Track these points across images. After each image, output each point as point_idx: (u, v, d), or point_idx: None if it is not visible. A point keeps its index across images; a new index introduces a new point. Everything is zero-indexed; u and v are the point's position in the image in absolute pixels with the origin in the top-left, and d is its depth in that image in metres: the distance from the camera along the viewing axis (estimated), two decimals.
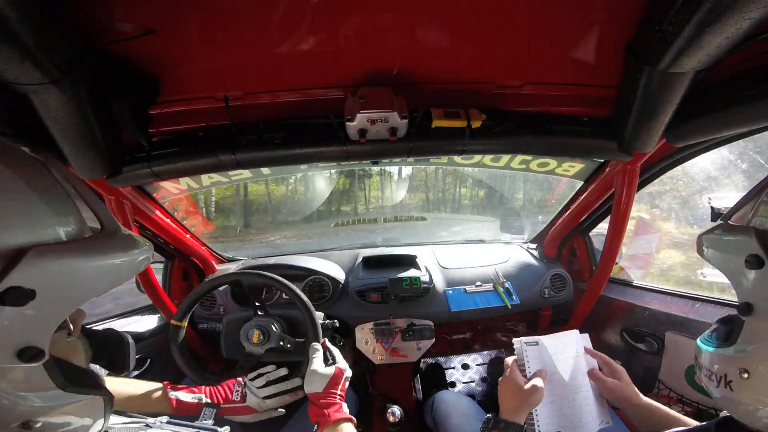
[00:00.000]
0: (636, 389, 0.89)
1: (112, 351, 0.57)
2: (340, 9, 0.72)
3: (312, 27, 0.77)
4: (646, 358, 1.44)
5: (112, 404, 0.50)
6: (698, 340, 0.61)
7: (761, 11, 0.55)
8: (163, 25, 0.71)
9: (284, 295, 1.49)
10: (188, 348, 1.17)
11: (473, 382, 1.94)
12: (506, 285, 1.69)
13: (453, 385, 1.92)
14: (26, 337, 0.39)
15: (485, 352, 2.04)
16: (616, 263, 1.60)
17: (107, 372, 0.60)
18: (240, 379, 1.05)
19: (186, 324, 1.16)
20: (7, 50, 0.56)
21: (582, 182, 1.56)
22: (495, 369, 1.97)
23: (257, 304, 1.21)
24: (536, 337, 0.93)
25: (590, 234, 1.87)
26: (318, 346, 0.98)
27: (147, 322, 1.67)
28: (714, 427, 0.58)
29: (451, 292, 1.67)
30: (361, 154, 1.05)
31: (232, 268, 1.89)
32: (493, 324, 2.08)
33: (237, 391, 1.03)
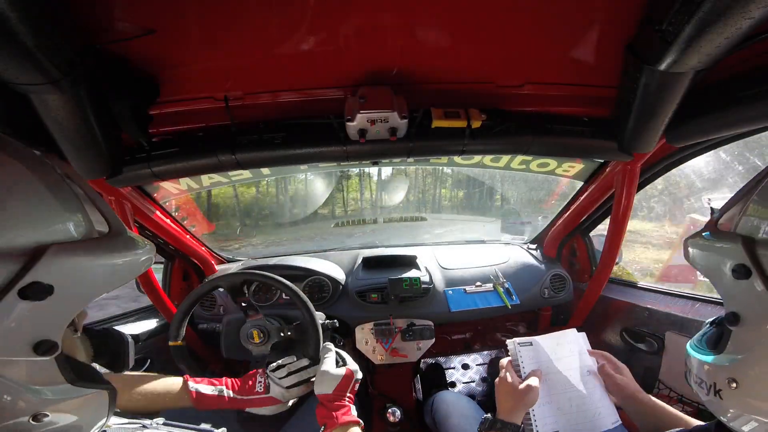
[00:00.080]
0: (638, 386, 0.89)
1: (111, 349, 0.57)
2: (339, 9, 0.72)
3: (312, 27, 0.77)
4: (646, 358, 1.44)
5: (116, 399, 0.52)
6: (688, 345, 0.60)
7: (761, 11, 0.55)
8: (163, 25, 0.71)
9: (284, 295, 1.49)
10: (190, 350, 1.17)
11: (473, 382, 1.94)
12: (506, 285, 1.69)
13: (453, 385, 1.92)
14: (42, 331, 0.41)
15: (485, 352, 2.04)
16: (617, 263, 1.60)
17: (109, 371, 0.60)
18: (261, 370, 1.03)
19: (183, 343, 1.15)
20: (7, 50, 0.56)
21: (582, 182, 1.56)
22: (495, 369, 1.97)
23: (243, 305, 1.20)
24: (530, 337, 0.93)
25: (590, 234, 1.88)
26: (331, 346, 0.98)
27: (147, 323, 1.67)
28: (714, 427, 0.58)
29: (451, 292, 1.67)
30: (361, 154, 1.05)
31: (232, 268, 1.89)
32: (493, 324, 2.08)
33: (260, 382, 1.01)
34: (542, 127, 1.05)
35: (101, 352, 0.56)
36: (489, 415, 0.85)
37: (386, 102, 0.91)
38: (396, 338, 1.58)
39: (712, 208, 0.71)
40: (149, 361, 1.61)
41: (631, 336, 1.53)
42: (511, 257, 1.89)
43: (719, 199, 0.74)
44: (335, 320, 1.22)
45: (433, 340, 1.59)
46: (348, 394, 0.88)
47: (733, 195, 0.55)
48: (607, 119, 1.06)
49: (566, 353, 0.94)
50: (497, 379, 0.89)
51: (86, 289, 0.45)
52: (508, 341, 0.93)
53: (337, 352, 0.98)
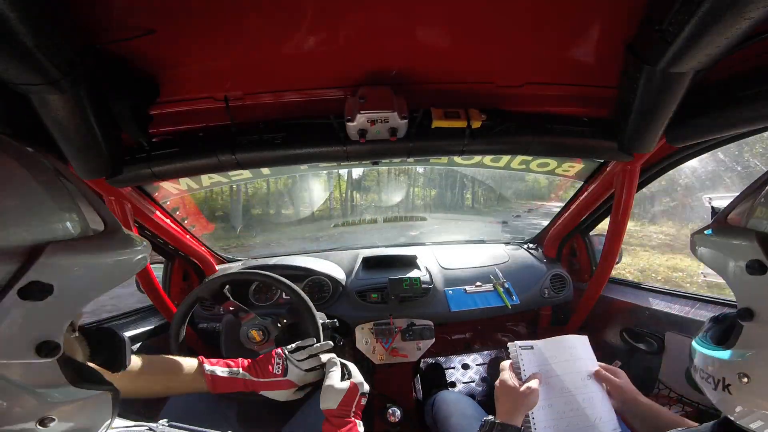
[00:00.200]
0: (637, 390, 0.89)
1: (108, 349, 0.57)
2: (340, 9, 0.72)
3: (312, 27, 0.77)
4: (646, 358, 1.44)
5: (119, 400, 0.51)
6: (694, 342, 0.60)
7: (761, 11, 0.55)
8: (163, 25, 0.71)
9: (285, 295, 1.49)
10: (190, 350, 1.17)
11: (473, 382, 1.94)
12: (506, 285, 1.69)
13: (453, 385, 1.92)
14: (44, 332, 0.41)
15: (485, 352, 2.04)
16: (617, 263, 1.60)
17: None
18: (280, 351, 1.00)
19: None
20: (7, 50, 0.56)
21: (582, 182, 1.56)
22: (495, 369, 1.95)
23: (231, 308, 1.20)
24: (532, 341, 0.94)
25: (590, 234, 1.87)
26: (336, 360, 0.95)
27: (147, 323, 1.67)
28: (713, 428, 0.58)
29: (451, 292, 1.67)
30: (361, 154, 1.05)
31: (232, 268, 1.89)
32: (493, 324, 2.08)
33: (278, 364, 0.97)
34: (542, 127, 1.05)
35: (98, 352, 0.55)
36: (490, 417, 0.85)
37: (386, 102, 0.91)
38: (396, 338, 1.58)
39: (712, 207, 0.71)
40: None
41: (631, 336, 1.53)
42: (511, 257, 1.89)
43: (719, 198, 0.75)
44: (335, 320, 1.22)
45: (433, 340, 1.59)
46: (353, 409, 0.85)
47: (742, 191, 0.55)
48: (607, 119, 1.06)
49: (567, 357, 0.94)
50: (497, 381, 0.89)
51: (86, 287, 0.45)
52: (509, 344, 0.94)
53: (344, 365, 0.95)
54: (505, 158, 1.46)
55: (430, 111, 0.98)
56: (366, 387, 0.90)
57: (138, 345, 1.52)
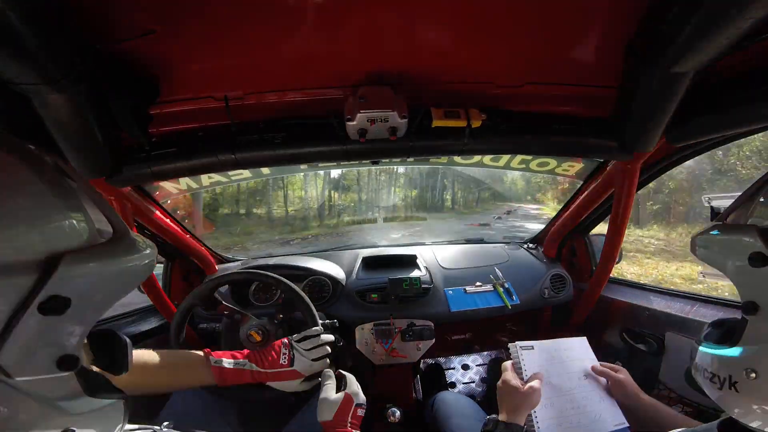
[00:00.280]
0: (639, 387, 0.90)
1: (111, 352, 0.57)
2: (340, 9, 0.72)
3: (312, 27, 0.77)
4: (646, 358, 1.43)
5: (129, 405, 0.52)
6: (695, 343, 0.60)
7: (761, 12, 0.55)
8: (163, 25, 0.71)
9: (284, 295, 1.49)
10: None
11: (473, 382, 1.94)
12: (506, 285, 1.68)
13: (453, 385, 1.92)
14: (64, 346, 0.40)
15: (485, 353, 2.04)
16: (617, 263, 1.60)
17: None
18: (286, 341, 0.99)
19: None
20: (8, 50, 0.56)
21: (582, 182, 1.56)
22: (495, 370, 1.97)
23: (225, 312, 1.19)
24: (532, 341, 0.95)
25: (590, 234, 1.87)
26: (330, 373, 0.95)
27: (147, 323, 1.67)
28: (716, 428, 0.58)
29: (451, 292, 1.67)
30: (361, 154, 1.05)
31: (232, 267, 1.89)
32: (493, 324, 2.08)
33: (284, 354, 0.96)
34: (542, 126, 1.05)
35: (100, 355, 0.55)
36: (494, 415, 0.86)
37: (386, 102, 0.91)
38: (396, 338, 1.57)
39: (711, 207, 0.71)
40: None
41: (631, 336, 1.53)
42: (511, 257, 1.89)
43: (718, 198, 0.75)
44: (335, 320, 1.22)
45: (433, 340, 1.59)
46: (350, 420, 0.85)
47: (741, 193, 0.56)
48: (607, 119, 1.06)
49: (568, 357, 0.96)
50: (500, 381, 0.90)
51: (104, 296, 0.44)
52: (510, 344, 0.95)
53: (342, 377, 0.95)
54: (505, 158, 1.46)
55: (430, 111, 0.98)
56: (361, 398, 0.90)
57: (138, 345, 1.51)
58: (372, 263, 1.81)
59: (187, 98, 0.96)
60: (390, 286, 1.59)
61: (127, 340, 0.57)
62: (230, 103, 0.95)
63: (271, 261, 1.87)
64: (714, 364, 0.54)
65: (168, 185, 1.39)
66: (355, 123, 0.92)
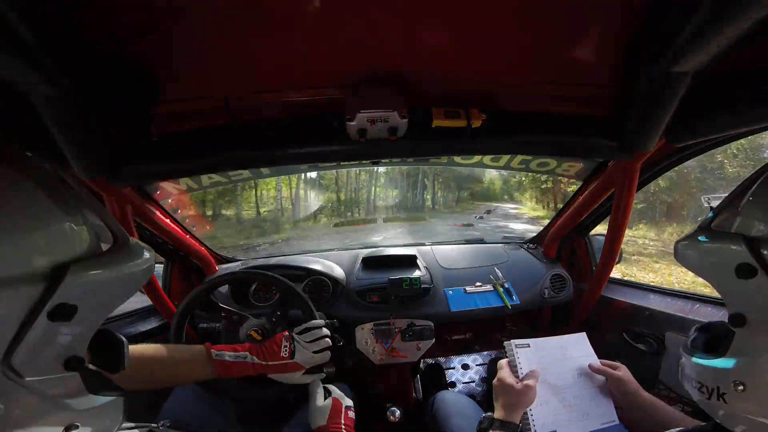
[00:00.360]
0: (639, 385, 0.89)
1: (107, 351, 0.57)
2: (340, 9, 0.72)
3: (312, 27, 0.77)
4: (646, 358, 1.43)
5: (128, 403, 0.54)
6: (683, 351, 0.58)
7: (761, 11, 0.55)
8: (163, 25, 0.71)
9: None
10: None
11: (473, 382, 1.94)
12: (506, 285, 1.68)
13: (453, 385, 1.92)
14: (71, 348, 0.44)
15: (485, 353, 2.03)
16: (617, 263, 1.60)
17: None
18: (287, 334, 1.00)
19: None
20: (8, 49, 0.56)
21: (582, 182, 1.56)
22: (495, 369, 1.96)
23: (223, 314, 1.20)
24: (528, 339, 0.95)
25: (590, 234, 1.87)
26: (318, 383, 0.98)
27: (147, 323, 1.67)
28: (713, 427, 0.58)
29: (451, 292, 1.67)
30: (361, 154, 1.05)
31: (231, 268, 1.89)
32: (493, 324, 2.08)
33: (285, 346, 0.97)
34: (542, 126, 1.05)
35: (97, 354, 0.56)
36: (490, 414, 0.86)
37: (386, 102, 0.91)
38: (396, 338, 1.57)
39: (711, 208, 0.71)
40: None
41: (631, 336, 1.53)
42: (511, 257, 1.89)
43: (717, 198, 0.74)
44: (335, 320, 1.22)
45: (433, 340, 1.59)
46: (343, 422, 0.89)
47: (726, 195, 0.54)
48: (607, 119, 1.06)
49: (564, 354, 0.95)
50: (495, 380, 0.90)
51: (107, 301, 0.47)
52: (506, 342, 0.95)
53: (325, 387, 0.98)
54: (505, 158, 1.46)
55: (430, 111, 0.98)
56: (348, 401, 0.94)
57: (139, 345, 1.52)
58: (372, 263, 1.81)
59: (187, 98, 0.96)
60: (390, 286, 1.59)
61: (123, 339, 0.58)
62: (230, 103, 0.95)
63: (272, 261, 1.87)
64: (702, 375, 0.53)
65: (168, 185, 1.39)
66: (355, 123, 0.92)
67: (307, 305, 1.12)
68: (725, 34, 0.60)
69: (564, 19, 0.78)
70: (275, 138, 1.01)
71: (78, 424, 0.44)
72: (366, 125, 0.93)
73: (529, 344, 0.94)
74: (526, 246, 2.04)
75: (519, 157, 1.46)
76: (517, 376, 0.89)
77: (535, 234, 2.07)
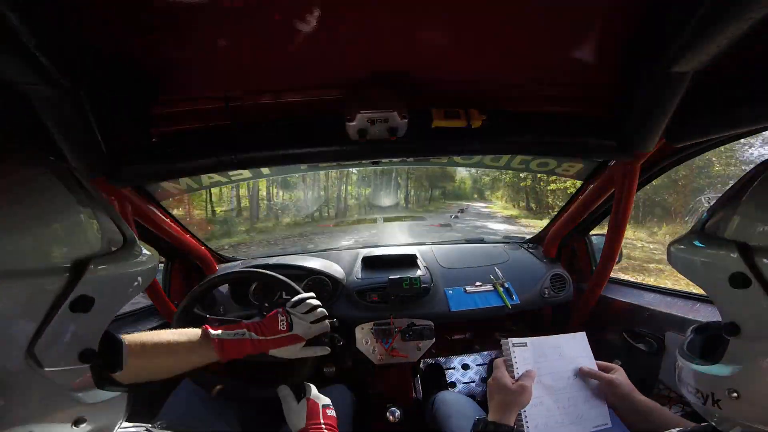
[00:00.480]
0: (634, 386, 0.88)
1: (106, 350, 0.57)
2: (340, 9, 0.72)
3: (312, 27, 0.76)
4: (646, 358, 1.43)
5: (131, 399, 0.56)
6: (678, 355, 0.58)
7: (761, 11, 0.55)
8: (163, 25, 0.71)
9: (285, 294, 1.49)
10: None
11: (473, 382, 1.94)
12: (506, 285, 1.69)
13: (453, 385, 1.92)
14: (86, 341, 0.46)
15: (485, 353, 2.04)
16: (617, 263, 1.60)
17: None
18: (281, 309, 0.99)
19: None
20: (8, 49, 0.56)
21: (582, 182, 1.56)
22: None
23: (217, 317, 1.20)
24: (526, 338, 0.93)
25: (590, 234, 1.87)
26: (287, 389, 0.96)
27: (147, 323, 1.67)
28: (712, 429, 0.58)
29: (451, 292, 1.67)
30: (361, 154, 1.05)
31: (231, 267, 1.89)
32: (493, 324, 2.08)
33: (282, 320, 0.96)
34: (542, 126, 1.05)
35: (98, 354, 0.56)
36: (481, 417, 0.85)
37: (386, 102, 0.91)
38: (396, 338, 1.57)
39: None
40: None
41: (631, 336, 1.53)
42: (511, 257, 1.89)
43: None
44: (335, 320, 1.22)
45: (433, 340, 1.59)
46: (322, 422, 0.87)
47: (719, 197, 0.52)
48: (607, 119, 1.06)
49: (562, 354, 0.94)
50: (490, 379, 0.88)
51: (120, 297, 0.50)
52: (502, 341, 0.92)
53: (300, 388, 0.96)
54: (505, 158, 1.46)
55: (430, 111, 0.98)
56: (325, 400, 0.94)
57: None
58: (372, 263, 1.81)
59: (187, 98, 0.96)
60: (390, 285, 1.59)
61: (123, 340, 0.59)
62: (230, 103, 0.95)
63: (272, 261, 1.87)
64: (697, 380, 0.53)
65: (168, 185, 1.39)
66: (355, 123, 0.92)
67: (288, 285, 1.12)
68: (725, 34, 0.60)
69: (564, 20, 0.78)
70: (275, 138, 1.01)
71: (86, 417, 0.46)
72: (366, 125, 0.93)
73: (526, 343, 0.92)
74: (526, 246, 2.04)
75: (519, 157, 1.46)
76: (513, 376, 0.87)
77: (518, 233, 2.08)
